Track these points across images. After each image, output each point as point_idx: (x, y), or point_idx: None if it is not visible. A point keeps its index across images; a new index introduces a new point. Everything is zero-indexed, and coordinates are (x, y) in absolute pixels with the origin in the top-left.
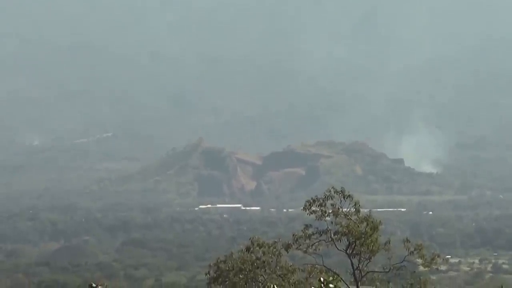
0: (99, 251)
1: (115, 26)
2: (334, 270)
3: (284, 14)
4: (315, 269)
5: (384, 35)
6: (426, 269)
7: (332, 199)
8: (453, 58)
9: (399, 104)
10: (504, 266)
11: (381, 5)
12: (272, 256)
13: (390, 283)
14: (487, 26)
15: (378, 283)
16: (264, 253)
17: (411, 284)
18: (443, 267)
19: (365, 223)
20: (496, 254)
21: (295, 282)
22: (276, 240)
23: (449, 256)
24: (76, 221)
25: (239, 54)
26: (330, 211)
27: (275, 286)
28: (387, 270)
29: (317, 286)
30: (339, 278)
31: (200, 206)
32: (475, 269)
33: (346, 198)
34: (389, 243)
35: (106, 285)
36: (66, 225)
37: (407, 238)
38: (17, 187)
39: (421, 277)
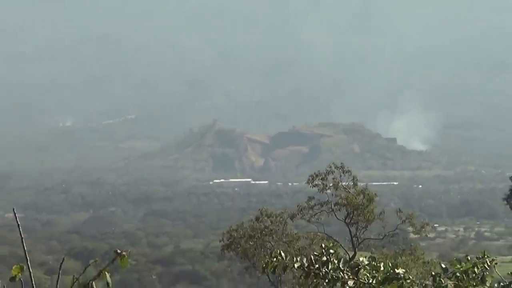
0: (124, 221)
1: (137, 19)
2: (334, 238)
3: (289, 9)
4: (317, 236)
5: (378, 26)
6: (416, 236)
7: (332, 174)
8: (442, 47)
9: (393, 89)
10: (486, 234)
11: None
12: (279, 225)
13: (384, 249)
14: (474, 17)
15: (373, 249)
16: (271, 222)
17: (403, 250)
18: (431, 235)
19: (362, 196)
20: (478, 223)
21: (299, 248)
22: (282, 211)
23: (437, 225)
24: (103, 194)
25: (248, 44)
26: (331, 185)
27: (281, 251)
28: (381, 237)
29: (318, 252)
30: (338, 244)
31: (214, 181)
32: (460, 236)
33: (345, 173)
34: (383, 213)
35: (129, 251)
36: (94, 198)
37: (399, 209)
38: (51, 164)
39: (412, 244)
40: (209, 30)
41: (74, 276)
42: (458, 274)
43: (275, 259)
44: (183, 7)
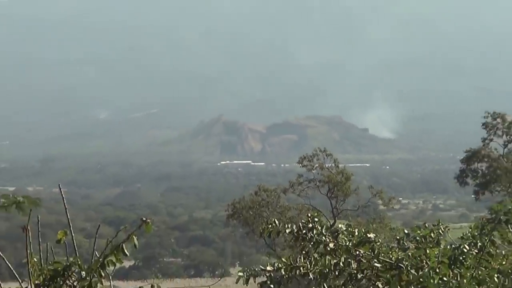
0: (148, 195)
1: (158, 32)
2: (318, 209)
3: (283, 25)
4: (305, 207)
5: (355, 37)
6: (384, 207)
7: (317, 156)
8: (407, 54)
9: (366, 89)
10: (440, 206)
11: (355, 13)
12: (273, 198)
13: (359, 218)
14: (434, 30)
15: (350, 218)
16: (267, 196)
17: (374, 219)
18: (396, 206)
19: (340, 175)
20: (435, 197)
21: (290, 217)
22: (276, 187)
23: (401, 199)
24: (131, 174)
25: (250, 53)
26: (316, 165)
27: (275, 220)
28: (356, 209)
29: (306, 220)
30: (321, 214)
31: (221, 162)
32: (420, 208)
33: (327, 156)
34: (358, 189)
35: (152, 220)
36: (124, 176)
37: (371, 186)
38: (89, 149)
39: (381, 214)
40: (218, 41)
41: (108, 239)
42: (418, 238)
43: (270, 226)
44: (196, 18)
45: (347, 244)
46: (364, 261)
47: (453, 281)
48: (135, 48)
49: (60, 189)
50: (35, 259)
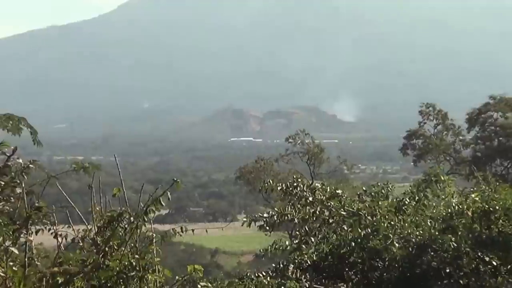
0: (179, 163)
1: (187, 46)
2: (301, 173)
3: (275, 37)
4: (291, 171)
5: (330, 46)
6: (348, 172)
7: (299, 135)
8: (368, 61)
9: (336, 85)
10: (389, 171)
11: (330, 31)
12: (268, 165)
13: (330, 179)
14: (390, 39)
15: (323, 179)
16: (264, 163)
17: (341, 180)
18: (357, 171)
19: (316, 148)
20: (384, 164)
21: (280, 179)
22: (270, 157)
23: (360, 165)
24: (167, 147)
25: (252, 57)
26: (299, 142)
27: (270, 180)
28: (328, 173)
29: (291, 180)
30: (303, 176)
31: (231, 139)
32: (373, 172)
33: (306, 135)
34: (329, 159)
35: (181, 180)
36: (161, 149)
37: (338, 156)
38: (137, 129)
39: (346, 176)
40: (228, 50)
41: (149, 194)
42: (372, 194)
43: (266, 184)
44: (216, 33)
45: (322, 198)
46: (334, 210)
47: (398, 225)
48: (170, 54)
49: (115, 158)
50: (97, 208)
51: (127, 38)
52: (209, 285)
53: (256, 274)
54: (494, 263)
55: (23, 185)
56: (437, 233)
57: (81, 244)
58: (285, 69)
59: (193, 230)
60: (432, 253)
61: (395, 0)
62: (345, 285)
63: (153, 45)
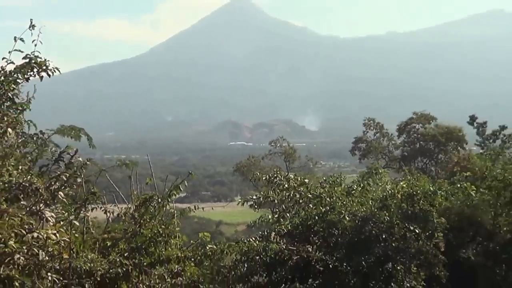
0: (193, 159)
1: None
2: (280, 167)
3: (262, 66)
4: (273, 166)
5: (301, 75)
6: (313, 166)
7: (279, 141)
8: (328, 86)
9: (304, 104)
10: (342, 166)
11: (301, 62)
12: (257, 162)
13: (300, 172)
14: (347, 73)
15: (295, 172)
16: (254, 161)
17: (308, 172)
18: (319, 166)
19: (291, 149)
20: (339, 161)
21: (265, 172)
22: (258, 156)
23: (321, 162)
24: (184, 148)
25: (245, 82)
26: (278, 145)
27: (258, 173)
28: (299, 167)
29: (273, 172)
30: (281, 169)
31: (230, 143)
32: (331, 167)
33: (283, 140)
34: (299, 157)
35: (194, 172)
36: (181, 150)
37: (306, 155)
38: (163, 137)
39: (311, 170)
40: (229, 74)
41: (172, 182)
42: (330, 182)
43: (255, 175)
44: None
45: (294, 185)
46: (303, 193)
47: (348, 204)
48: (187, 84)
49: (147, 157)
50: (135, 192)
51: (156, 74)
52: (214, 246)
53: (248, 239)
54: (417, 231)
55: (82, 176)
56: (376, 210)
57: (123, 218)
58: (268, 93)
59: (203, 208)
60: (372, 224)
61: (349, 45)
62: (311, 247)
63: (173, 78)
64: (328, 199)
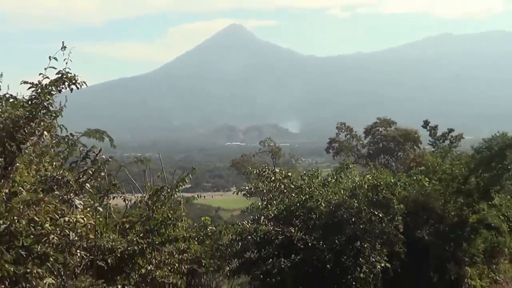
0: (196, 157)
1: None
2: (268, 163)
3: (254, 79)
4: (263, 163)
5: (284, 88)
6: (294, 162)
7: (267, 141)
8: (309, 96)
9: (288, 111)
10: (319, 162)
11: (285, 77)
12: (249, 158)
13: (284, 167)
14: (327, 84)
15: (280, 167)
16: (247, 158)
17: (290, 167)
18: (300, 162)
19: (276, 148)
20: (317, 158)
21: (256, 167)
22: (249, 153)
23: (302, 159)
24: (189, 148)
25: (239, 94)
26: (267, 145)
27: (250, 167)
28: (283, 163)
29: (262, 167)
30: (269, 165)
31: (227, 143)
32: (310, 163)
33: (271, 141)
34: (284, 155)
35: (197, 168)
36: (186, 149)
37: (289, 153)
38: (171, 138)
39: (293, 165)
40: (227, 89)
41: (179, 176)
42: (309, 175)
43: (247, 169)
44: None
45: (279, 177)
46: (287, 185)
47: (324, 193)
48: (191, 95)
49: (159, 155)
50: (148, 184)
51: (166, 87)
52: (214, 228)
53: (242, 222)
54: (380, 215)
55: (105, 171)
56: (346, 198)
57: (139, 205)
58: (258, 102)
59: (204, 197)
60: (343, 210)
61: (324, 62)
62: (293, 229)
63: (180, 89)
64: (307, 189)
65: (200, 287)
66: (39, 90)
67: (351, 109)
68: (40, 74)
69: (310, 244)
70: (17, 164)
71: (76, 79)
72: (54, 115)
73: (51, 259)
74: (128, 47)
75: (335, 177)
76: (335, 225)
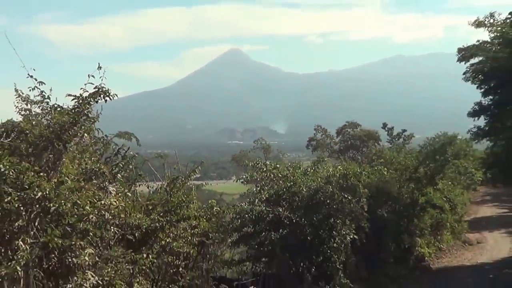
0: (205, 153)
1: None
2: (260, 158)
3: (248, 88)
4: (256, 157)
5: (272, 96)
6: (282, 157)
7: (260, 141)
8: (292, 103)
9: (276, 115)
10: (301, 156)
11: (273, 89)
12: (245, 154)
13: (273, 160)
14: (310, 94)
15: (271, 161)
16: (244, 154)
17: (278, 161)
18: (286, 156)
19: (267, 146)
20: (299, 153)
21: (251, 160)
22: (246, 150)
23: (287, 153)
24: (199, 146)
25: (235, 103)
26: (259, 143)
27: (246, 161)
28: (273, 158)
29: (256, 161)
30: (261, 159)
31: (228, 142)
32: (294, 157)
33: (262, 140)
34: (273, 150)
35: (205, 161)
36: (196, 147)
37: (277, 149)
38: (185, 139)
39: (281, 159)
40: (226, 99)
41: (191, 167)
42: (293, 166)
43: (245, 162)
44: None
45: (270, 168)
46: (275, 174)
47: (305, 180)
48: (198, 105)
49: (175, 152)
50: (167, 174)
51: (180, 99)
52: (218, 208)
53: (240, 204)
54: (349, 198)
55: (133, 164)
56: (323, 184)
57: (159, 191)
58: (252, 110)
59: (211, 184)
60: (320, 194)
61: (304, 78)
62: (281, 209)
63: (191, 100)
64: (291, 177)
65: (208, 255)
66: (80, 101)
67: (326, 114)
68: (81, 88)
69: (294, 221)
70: (63, 159)
71: (109, 92)
72: (92, 120)
73: (91, 234)
74: (149, 67)
75: (313, 168)
76: (314, 205)
